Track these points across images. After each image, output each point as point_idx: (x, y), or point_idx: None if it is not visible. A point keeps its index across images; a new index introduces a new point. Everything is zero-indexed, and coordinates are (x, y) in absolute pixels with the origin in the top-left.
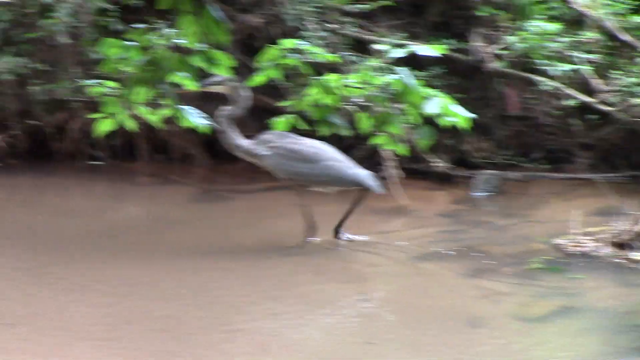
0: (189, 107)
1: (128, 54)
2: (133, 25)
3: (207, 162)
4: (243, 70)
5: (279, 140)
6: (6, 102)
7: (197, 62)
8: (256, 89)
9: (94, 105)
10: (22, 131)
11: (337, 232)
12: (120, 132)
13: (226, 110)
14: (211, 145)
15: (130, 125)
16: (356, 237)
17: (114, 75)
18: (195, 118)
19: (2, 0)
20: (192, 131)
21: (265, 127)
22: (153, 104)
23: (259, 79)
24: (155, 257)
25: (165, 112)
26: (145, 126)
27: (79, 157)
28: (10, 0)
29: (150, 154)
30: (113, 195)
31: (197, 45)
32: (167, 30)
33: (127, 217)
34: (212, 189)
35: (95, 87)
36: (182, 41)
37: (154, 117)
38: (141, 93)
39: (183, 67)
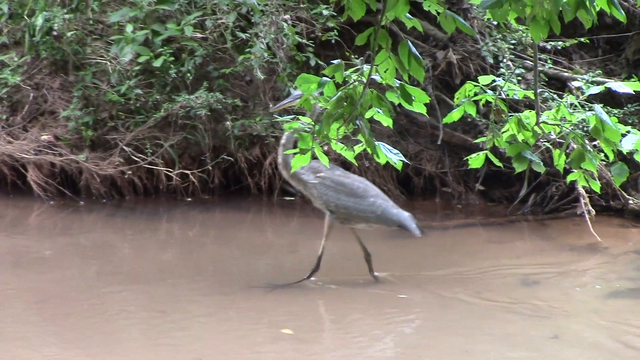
0: (384, 143)
1: (324, 90)
2: (330, 61)
3: (402, 198)
4: (439, 107)
5: (328, 171)
6: (200, 137)
7: (393, 98)
8: (452, 126)
9: None
10: (216, 166)
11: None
12: None
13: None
14: (406, 181)
15: (325, 161)
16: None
17: (310, 111)
18: (390, 154)
19: (196, 36)
20: (387, 167)
21: (463, 164)
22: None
23: (455, 115)
24: (346, 291)
25: (360, 148)
26: (340, 162)
27: (273, 193)
28: (205, 36)
29: None
30: (305, 231)
31: (393, 81)
32: (363, 66)
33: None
34: None
35: (290, 123)
36: (377, 77)
37: (348, 153)
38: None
39: (378, 103)
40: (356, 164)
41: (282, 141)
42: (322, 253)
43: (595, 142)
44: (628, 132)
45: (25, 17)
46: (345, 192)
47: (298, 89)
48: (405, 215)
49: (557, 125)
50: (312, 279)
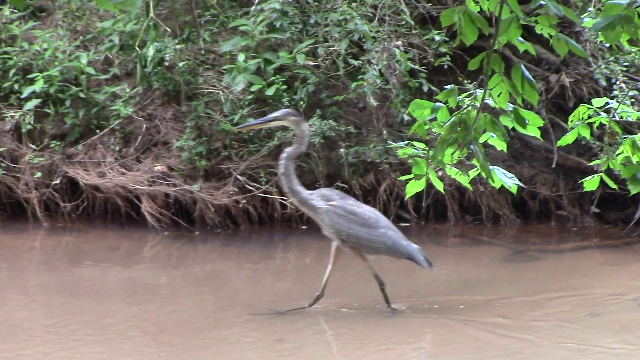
0: (499, 167)
1: (437, 115)
2: (442, 86)
3: (517, 222)
4: (552, 130)
5: (340, 199)
6: (314, 165)
7: (507, 122)
8: (566, 149)
9: (402, 166)
10: None
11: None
12: (429, 194)
13: (290, 149)
14: (521, 205)
15: (439, 186)
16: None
17: (423, 136)
18: (505, 178)
19: (309, 64)
20: (502, 191)
21: (578, 186)
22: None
23: (569, 138)
24: (460, 320)
25: (475, 172)
26: (455, 187)
27: (389, 219)
28: (318, 63)
29: (460, 214)
30: None
31: (506, 105)
32: (476, 91)
33: (432, 279)
34: (522, 249)
35: (404, 149)
36: (491, 101)
37: (463, 178)
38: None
39: (492, 127)
40: (471, 189)
41: (281, 170)
42: (327, 280)
43: None
44: None
45: (137, 48)
46: (357, 222)
47: (279, 111)
48: (414, 248)
49: None
50: (315, 305)
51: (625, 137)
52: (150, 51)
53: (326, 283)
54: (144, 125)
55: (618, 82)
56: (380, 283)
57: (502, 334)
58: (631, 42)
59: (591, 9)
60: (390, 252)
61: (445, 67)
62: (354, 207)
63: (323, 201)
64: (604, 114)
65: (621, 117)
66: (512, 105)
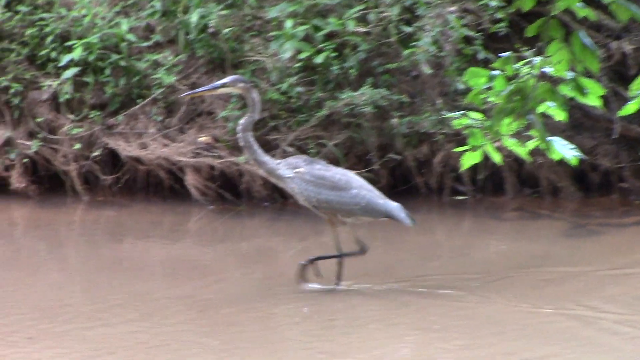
0: (558, 137)
1: (493, 84)
2: (499, 54)
3: (577, 195)
4: (614, 99)
5: (307, 165)
6: (365, 136)
7: (566, 91)
8: (628, 118)
9: (457, 137)
10: (383, 166)
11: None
12: (485, 166)
13: (243, 120)
14: (582, 177)
15: (496, 158)
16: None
17: (479, 106)
18: (564, 149)
19: (359, 30)
20: (561, 163)
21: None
22: (520, 136)
23: (631, 107)
24: (519, 299)
25: (533, 143)
26: (512, 159)
27: (443, 192)
28: (368, 30)
29: (518, 187)
30: (478, 231)
31: (566, 74)
32: (534, 58)
33: (491, 254)
34: (583, 222)
35: (460, 119)
36: (550, 69)
37: (521, 150)
38: (507, 124)
39: (551, 96)
40: (529, 161)
41: (241, 143)
42: (338, 242)
43: None
44: None
45: (179, 15)
46: (326, 185)
47: (227, 78)
48: (393, 205)
49: None
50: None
51: None
52: (194, 17)
53: (339, 244)
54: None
55: None
56: (361, 249)
57: (565, 313)
58: None
59: None
60: (366, 212)
61: (502, 33)
62: (321, 172)
63: (290, 169)
64: None
65: None
66: (572, 73)
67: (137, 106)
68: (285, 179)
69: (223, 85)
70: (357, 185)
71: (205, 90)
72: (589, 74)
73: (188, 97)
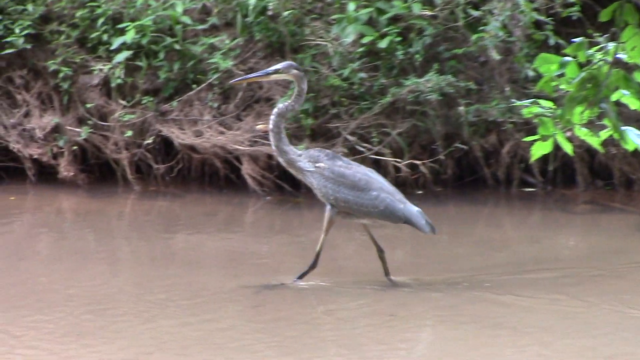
0: (632, 127)
1: (565, 71)
2: (571, 39)
3: None
4: None
5: (328, 161)
6: (431, 124)
7: None
8: None
9: (527, 126)
10: (448, 156)
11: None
12: (556, 156)
13: (283, 105)
14: None
15: (568, 148)
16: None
17: (550, 93)
18: (638, 139)
19: (425, 14)
20: (636, 154)
21: None
22: (592, 125)
23: None
24: (591, 295)
25: (606, 133)
26: (584, 149)
27: (511, 184)
28: (435, 13)
29: (589, 179)
30: (547, 224)
31: None
32: (608, 44)
33: (559, 248)
34: None
35: (529, 107)
36: (624, 56)
37: (593, 140)
38: (579, 113)
39: (625, 84)
40: (602, 151)
41: (271, 126)
42: (320, 249)
43: None
44: None
45: None
46: (346, 184)
47: (280, 64)
48: (413, 211)
49: None
50: (302, 283)
51: None
52: None
53: (319, 253)
54: None
55: None
56: (379, 250)
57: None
58: None
59: None
60: (384, 216)
61: (574, 18)
62: (342, 169)
63: (310, 163)
64: None
65: None
66: None
67: (192, 92)
68: (305, 172)
69: (276, 71)
70: (377, 187)
71: (258, 76)
72: None
73: (240, 83)
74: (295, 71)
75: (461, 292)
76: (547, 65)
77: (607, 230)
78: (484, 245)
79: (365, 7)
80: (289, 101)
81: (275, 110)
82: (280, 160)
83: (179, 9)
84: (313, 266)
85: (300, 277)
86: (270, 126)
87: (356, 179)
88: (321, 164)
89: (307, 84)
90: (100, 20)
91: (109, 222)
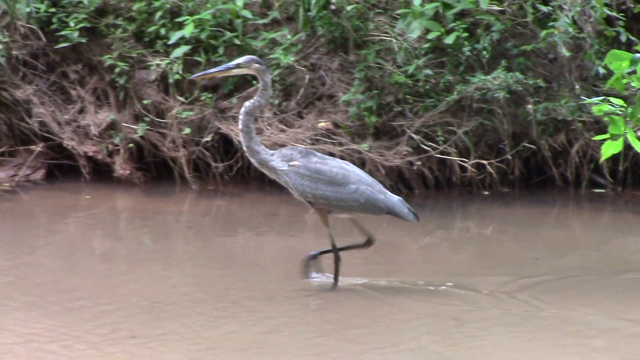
0: None
1: (636, 68)
2: None
3: None
4: None
5: (302, 158)
6: (498, 123)
7: None
8: None
9: (597, 125)
10: (516, 155)
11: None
12: (626, 156)
13: (249, 102)
14: None
15: (638, 147)
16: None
17: (621, 91)
18: None
19: (493, 9)
20: None
21: None
22: None
23: None
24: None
25: None
26: None
27: (580, 184)
28: (503, 9)
29: None
30: (616, 226)
31: None
32: None
33: (630, 252)
34: None
35: (600, 105)
36: None
37: None
38: None
39: None
40: None
41: (240, 126)
42: (332, 241)
43: None
44: None
45: None
46: (323, 180)
47: (241, 58)
48: (394, 200)
49: None
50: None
51: None
52: None
53: (334, 246)
54: (307, 77)
55: None
56: (368, 242)
57: None
58: None
59: None
60: (366, 209)
61: None
62: (318, 165)
63: (284, 162)
64: None
65: None
66: None
67: (252, 88)
68: (278, 172)
69: (237, 66)
70: (356, 180)
71: (219, 70)
72: None
73: (201, 78)
74: (256, 65)
75: (531, 297)
76: (618, 62)
77: None
78: (551, 247)
79: (431, 1)
80: (255, 97)
81: (242, 109)
82: (253, 160)
83: (239, 2)
84: (337, 259)
85: (335, 278)
86: (240, 126)
87: (333, 174)
88: (295, 162)
89: (372, 80)
90: (158, 14)
91: (166, 222)
